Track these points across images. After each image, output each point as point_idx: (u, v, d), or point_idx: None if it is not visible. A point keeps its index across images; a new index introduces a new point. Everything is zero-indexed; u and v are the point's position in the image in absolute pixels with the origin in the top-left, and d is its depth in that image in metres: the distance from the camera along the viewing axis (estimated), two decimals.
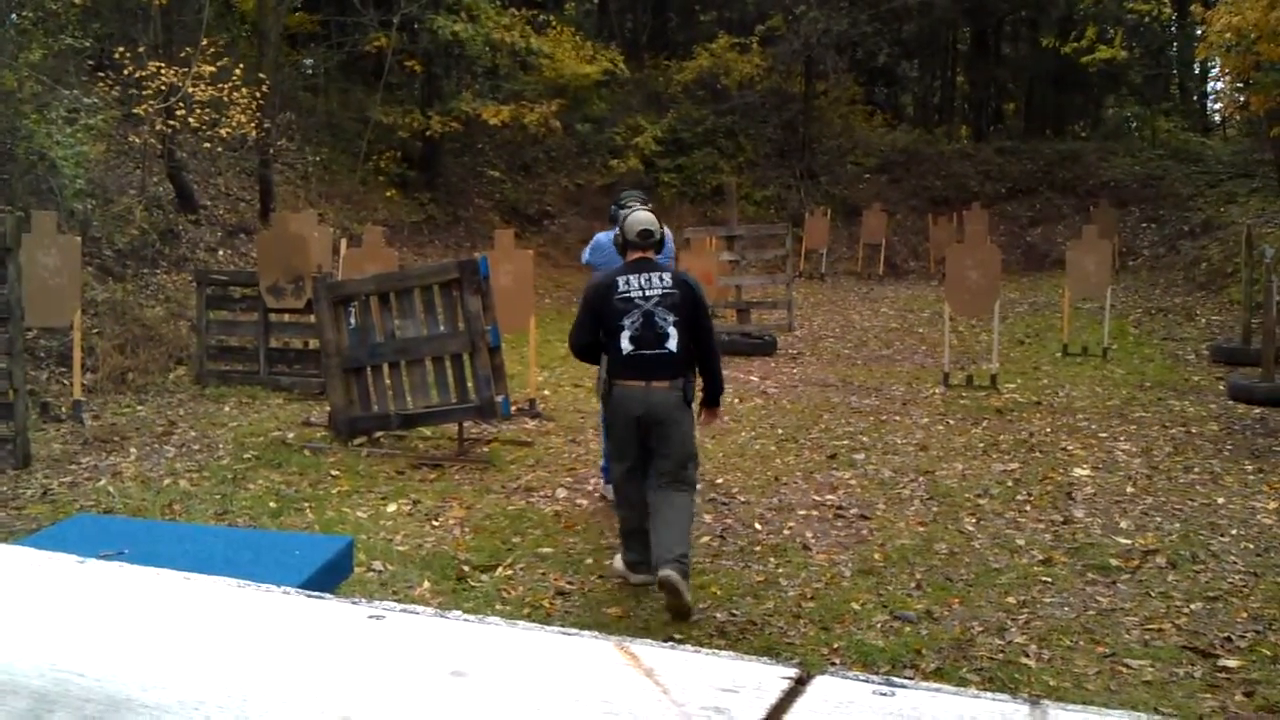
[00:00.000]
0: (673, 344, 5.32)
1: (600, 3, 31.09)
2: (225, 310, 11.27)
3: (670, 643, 0.85)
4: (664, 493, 5.28)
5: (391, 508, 6.89)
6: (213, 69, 13.44)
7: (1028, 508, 6.92)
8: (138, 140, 13.76)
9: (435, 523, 6.62)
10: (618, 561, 5.78)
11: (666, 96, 26.38)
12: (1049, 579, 5.63)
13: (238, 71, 13.86)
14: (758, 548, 6.19)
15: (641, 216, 5.64)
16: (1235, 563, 5.85)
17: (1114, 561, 5.87)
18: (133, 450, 8.31)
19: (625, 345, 5.32)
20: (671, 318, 5.33)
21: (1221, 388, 10.70)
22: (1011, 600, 5.35)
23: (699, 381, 5.63)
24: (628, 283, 5.41)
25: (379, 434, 8.58)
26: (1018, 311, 16.78)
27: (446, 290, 8.29)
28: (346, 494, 7.19)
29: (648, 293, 5.37)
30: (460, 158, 23.86)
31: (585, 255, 7.27)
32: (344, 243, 12.91)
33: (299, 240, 10.71)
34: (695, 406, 5.56)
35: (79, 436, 8.65)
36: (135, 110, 13.07)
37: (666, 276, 5.47)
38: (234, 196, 16.91)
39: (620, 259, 5.75)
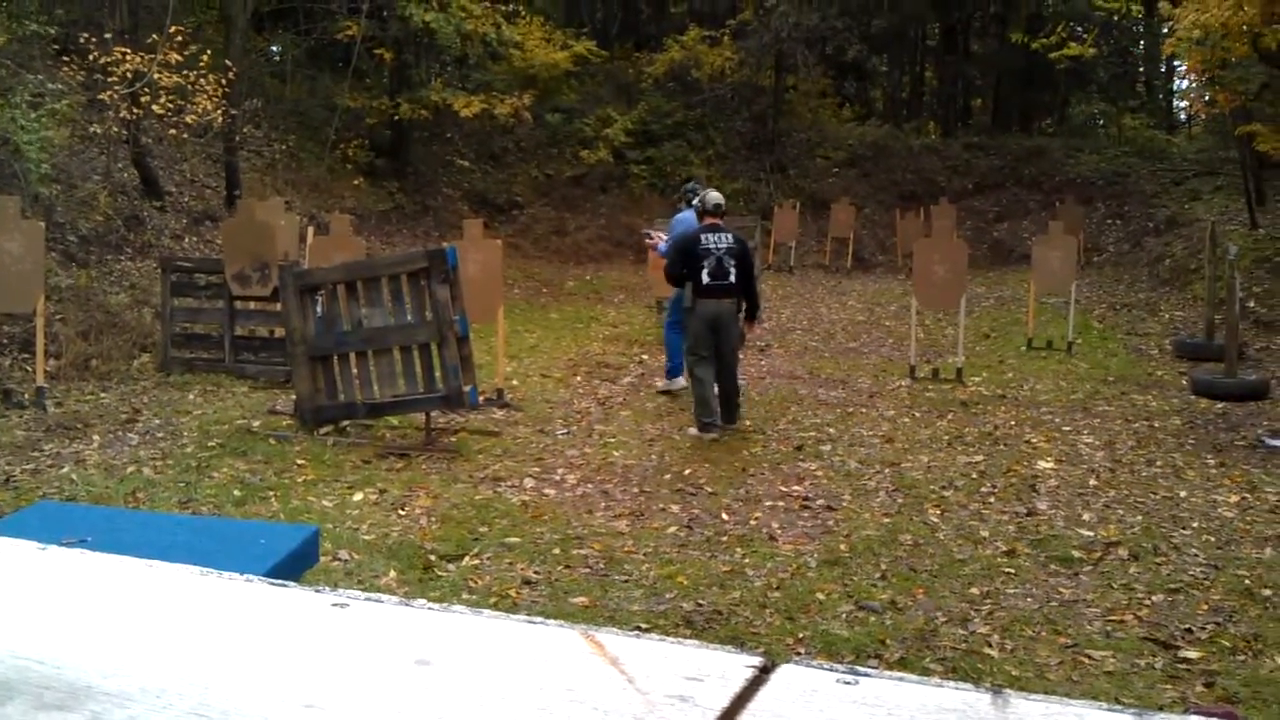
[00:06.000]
0: (732, 277, 8.45)
1: None
2: (190, 297, 11.17)
3: (636, 631, 0.85)
4: (725, 368, 8.58)
5: (358, 497, 6.86)
6: (179, 58, 13.31)
7: (992, 500, 6.97)
8: (102, 127, 13.62)
9: (402, 512, 6.60)
10: (691, 430, 8.61)
11: (637, 88, 26.33)
12: (1012, 570, 5.68)
13: (204, 58, 13.73)
14: (724, 538, 6.21)
15: (716, 196, 8.91)
16: (1196, 555, 5.92)
17: (1076, 553, 5.92)
18: (96, 438, 8.23)
19: (705, 278, 8.41)
20: (732, 261, 8.45)
21: (1184, 382, 10.81)
22: (975, 591, 5.39)
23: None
24: (707, 239, 8.50)
25: (345, 423, 8.54)
26: (983, 306, 16.89)
27: (414, 279, 8.25)
28: (312, 483, 7.15)
29: (718, 246, 8.46)
30: (429, 146, 23.75)
31: (669, 241, 9.80)
32: (311, 231, 12.83)
33: (265, 228, 10.63)
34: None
35: (42, 423, 8.56)
36: (100, 96, 12.93)
37: (729, 236, 8.61)
38: (200, 183, 16.76)
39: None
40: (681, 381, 9.99)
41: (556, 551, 5.96)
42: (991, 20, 31.12)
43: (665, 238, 10.22)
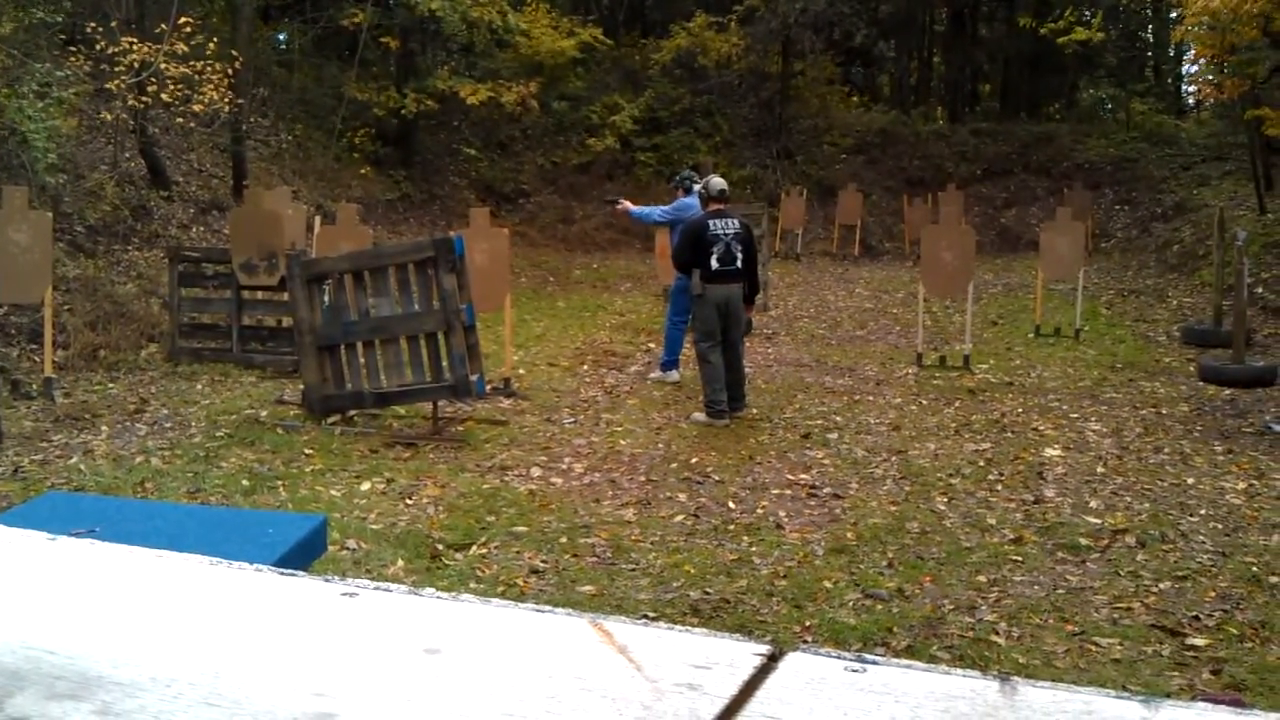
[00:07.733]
0: (739, 262, 8.63)
1: None
2: (198, 287, 11.19)
3: (644, 620, 0.86)
4: (734, 353, 8.72)
5: (365, 486, 6.87)
6: (186, 48, 13.30)
7: (999, 487, 6.97)
8: (109, 116, 13.62)
9: (409, 501, 6.61)
10: (698, 415, 8.68)
11: (644, 75, 26.26)
12: (1019, 558, 5.68)
13: (211, 46, 13.72)
14: (731, 526, 6.21)
15: (720, 182, 9.04)
16: (1204, 542, 5.91)
17: (1084, 541, 5.92)
18: (104, 428, 8.25)
19: (714, 264, 8.55)
20: (739, 246, 8.63)
21: (1192, 369, 10.78)
22: (982, 579, 5.39)
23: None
24: (714, 224, 8.64)
25: (353, 412, 8.55)
26: (991, 293, 16.85)
27: (421, 268, 8.25)
28: (320, 472, 7.17)
29: (726, 231, 8.61)
30: (436, 135, 23.71)
31: (667, 211, 10.59)
32: (318, 220, 12.82)
33: (272, 217, 10.64)
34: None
35: (50, 414, 8.59)
36: (107, 85, 12.93)
37: (735, 221, 8.77)
38: (207, 173, 16.75)
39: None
40: (675, 376, 10.19)
41: (564, 540, 5.97)
42: (999, 5, 30.98)
43: (633, 205, 11.04)
